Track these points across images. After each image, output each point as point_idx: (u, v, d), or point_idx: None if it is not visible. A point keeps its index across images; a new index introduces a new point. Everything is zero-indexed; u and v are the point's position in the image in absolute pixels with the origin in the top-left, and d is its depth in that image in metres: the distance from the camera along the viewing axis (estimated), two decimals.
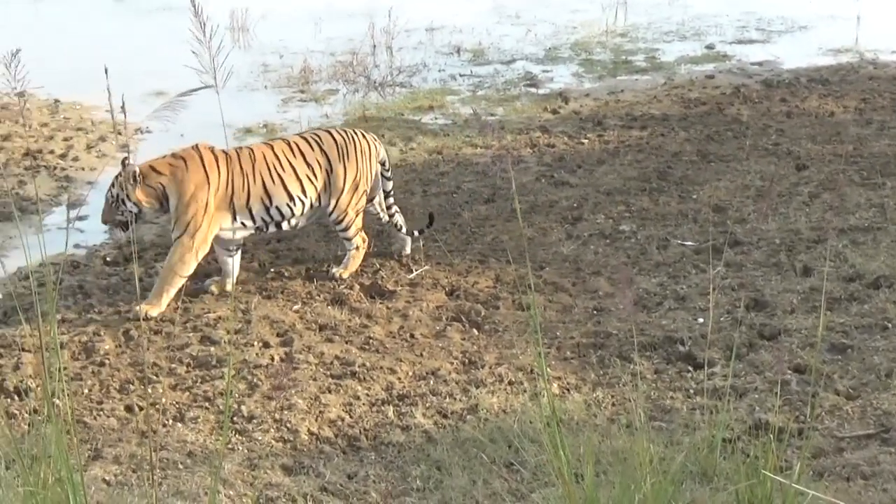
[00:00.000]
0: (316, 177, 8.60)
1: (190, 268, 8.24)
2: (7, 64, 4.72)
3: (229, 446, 6.40)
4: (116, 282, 8.84)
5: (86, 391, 7.05)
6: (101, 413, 6.79)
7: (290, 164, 8.54)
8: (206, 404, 6.89)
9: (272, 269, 8.96)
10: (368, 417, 6.80)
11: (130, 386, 7.14)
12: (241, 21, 18.04)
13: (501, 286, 8.61)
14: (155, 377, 7.20)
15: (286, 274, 8.89)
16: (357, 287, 8.61)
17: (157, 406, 6.82)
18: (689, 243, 9.28)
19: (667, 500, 4.94)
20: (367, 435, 6.60)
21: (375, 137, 9.08)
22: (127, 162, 8.38)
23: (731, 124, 12.52)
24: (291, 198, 8.52)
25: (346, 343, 7.78)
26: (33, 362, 7.36)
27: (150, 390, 7.05)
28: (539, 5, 20.23)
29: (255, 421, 6.69)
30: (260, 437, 6.52)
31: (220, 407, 6.82)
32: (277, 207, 8.48)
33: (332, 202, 8.66)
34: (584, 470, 5.08)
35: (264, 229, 8.56)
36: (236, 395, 6.95)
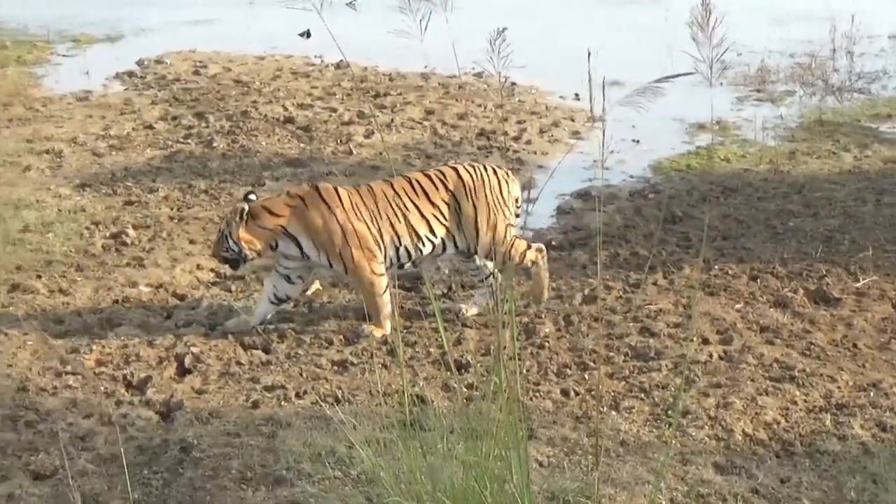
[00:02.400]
0: (444, 217, 8.18)
1: (381, 284, 7.97)
2: (492, 42, 5.01)
3: (663, 439, 6.58)
4: (560, 266, 9.21)
5: (524, 371, 7.43)
6: (538, 394, 7.14)
7: (414, 203, 8.12)
8: (642, 395, 7.11)
9: (716, 267, 9.06)
10: (805, 423, 6.80)
11: (568, 370, 7.46)
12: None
13: None
14: (592, 364, 7.48)
15: (730, 272, 8.97)
16: (801, 291, 8.58)
17: (592, 392, 7.09)
18: None
19: None
20: (802, 441, 6.61)
21: (508, 172, 8.50)
22: (249, 196, 8.19)
23: None
24: (419, 238, 8.13)
25: (787, 347, 7.79)
26: (475, 338, 7.84)
27: (586, 376, 7.35)
28: None
29: (689, 416, 6.84)
30: (694, 433, 6.66)
31: (656, 399, 7.02)
32: (406, 247, 8.12)
33: (474, 246, 8.22)
34: None
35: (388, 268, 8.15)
36: (672, 389, 7.12)
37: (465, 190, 8.17)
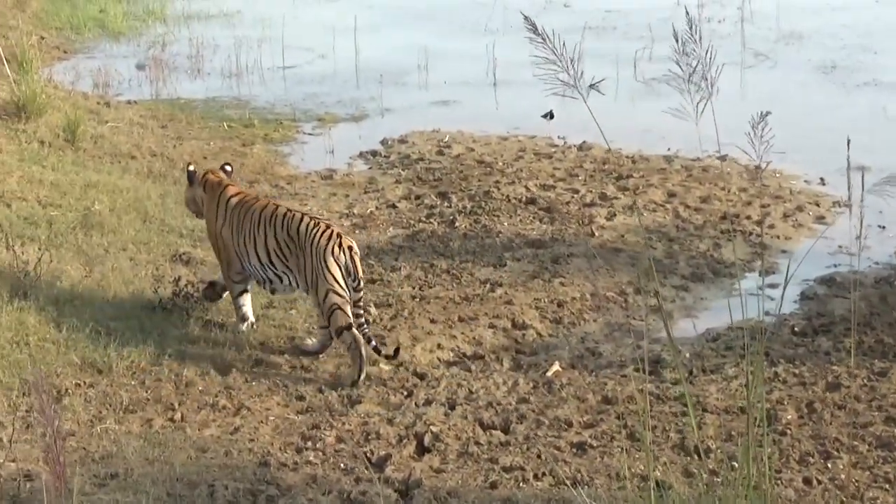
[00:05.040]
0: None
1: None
2: (753, 126, 5.19)
3: None
4: (803, 352, 9.26)
5: (766, 458, 7.51)
6: (780, 482, 7.22)
7: None
8: (887, 486, 7.13)
9: None
10: None
11: (810, 458, 7.52)
12: None
13: None
14: (836, 452, 7.52)
15: None
16: None
17: (836, 482, 7.13)
18: None
19: None
20: None
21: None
22: None
23: None
24: None
25: None
26: (716, 423, 7.97)
27: (829, 465, 7.39)
28: None
29: None
30: None
31: None
32: None
33: None
34: None
35: None
36: None
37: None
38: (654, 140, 14.71)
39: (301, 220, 9.51)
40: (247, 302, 9.93)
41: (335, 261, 9.24)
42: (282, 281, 9.67)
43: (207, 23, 22.40)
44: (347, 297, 9.23)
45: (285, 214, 9.62)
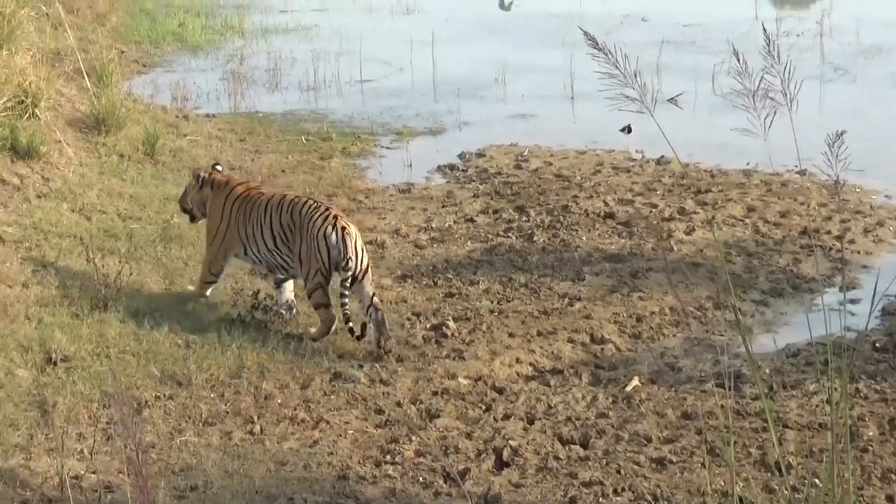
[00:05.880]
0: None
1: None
2: (830, 144, 5.22)
3: None
4: (884, 368, 9.22)
5: (846, 475, 7.49)
6: (862, 499, 7.22)
7: None
8: None
9: None
10: None
11: (893, 476, 7.53)
12: None
13: None
14: None
15: None
16: None
17: None
18: None
19: None
20: None
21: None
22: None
23: None
24: None
25: None
26: (796, 439, 7.96)
27: None
28: None
29: None
30: None
31: None
32: None
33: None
34: None
35: None
36: None
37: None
38: (732, 154, 14.67)
39: (304, 203, 10.26)
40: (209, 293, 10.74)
41: (326, 241, 9.92)
42: (289, 268, 10.35)
43: (285, 36, 22.62)
44: (330, 278, 10.03)
45: (291, 200, 10.37)
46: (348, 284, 9.83)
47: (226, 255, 10.64)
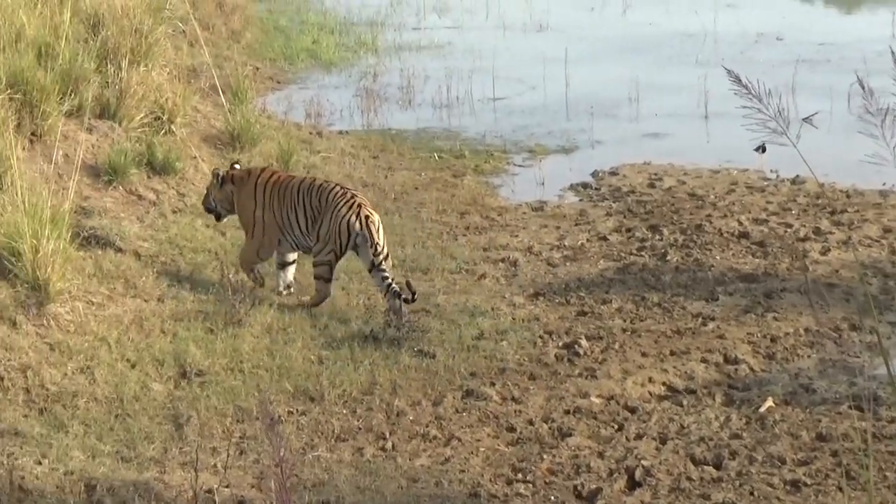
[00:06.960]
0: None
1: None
2: None
3: None
4: None
5: None
6: None
7: None
8: None
9: None
10: None
11: None
12: None
13: None
14: None
15: None
16: None
17: None
18: None
19: None
20: None
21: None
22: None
23: None
24: None
25: None
26: None
27: None
28: None
29: None
30: None
31: None
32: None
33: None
34: None
35: None
36: None
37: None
38: (868, 174, 14.45)
39: (332, 189, 10.92)
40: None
41: (349, 228, 10.64)
42: (311, 247, 10.97)
43: (418, 54, 22.80)
44: (339, 260, 10.85)
45: (320, 185, 11.02)
46: (378, 265, 10.62)
47: (271, 238, 11.13)
